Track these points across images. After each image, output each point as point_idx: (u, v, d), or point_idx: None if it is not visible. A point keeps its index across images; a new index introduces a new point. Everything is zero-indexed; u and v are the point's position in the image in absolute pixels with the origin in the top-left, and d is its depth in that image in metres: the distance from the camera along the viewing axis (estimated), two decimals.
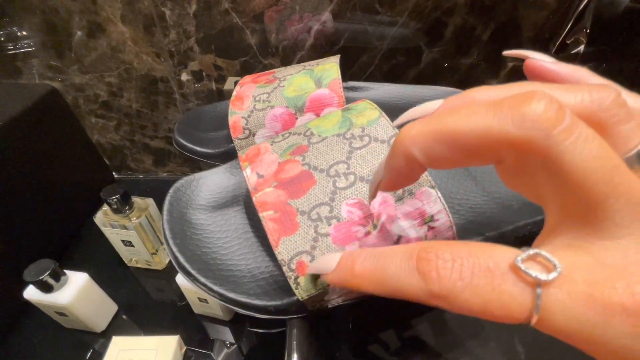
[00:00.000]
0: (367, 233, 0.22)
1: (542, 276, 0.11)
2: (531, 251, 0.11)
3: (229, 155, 0.35)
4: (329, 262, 0.18)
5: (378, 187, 0.18)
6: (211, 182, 0.31)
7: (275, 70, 0.38)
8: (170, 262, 0.44)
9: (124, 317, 0.41)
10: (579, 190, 0.11)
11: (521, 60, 0.19)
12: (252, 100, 0.34)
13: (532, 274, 0.11)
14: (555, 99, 0.11)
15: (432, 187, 0.22)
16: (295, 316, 0.24)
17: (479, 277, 0.11)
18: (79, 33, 0.47)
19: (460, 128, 0.13)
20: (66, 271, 0.36)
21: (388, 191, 0.18)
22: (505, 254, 0.12)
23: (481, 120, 0.12)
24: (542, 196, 0.13)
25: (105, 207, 0.39)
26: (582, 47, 0.40)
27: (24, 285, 0.34)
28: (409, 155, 0.14)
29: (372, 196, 0.19)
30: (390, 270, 0.14)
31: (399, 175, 0.16)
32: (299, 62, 0.47)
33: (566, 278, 0.11)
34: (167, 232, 0.26)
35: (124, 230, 0.40)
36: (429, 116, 0.14)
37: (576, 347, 0.11)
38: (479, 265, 0.12)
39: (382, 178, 0.17)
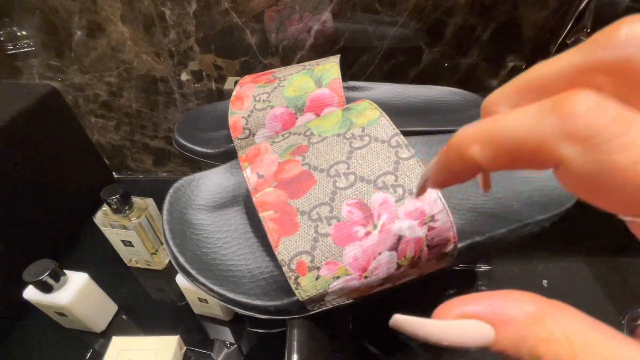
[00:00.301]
0: (368, 233, 0.22)
1: None
2: None
3: (229, 155, 0.35)
4: (429, 165, 0.16)
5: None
6: (211, 182, 0.31)
7: (275, 70, 0.38)
8: (170, 262, 0.44)
9: (123, 317, 0.41)
10: None
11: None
12: (252, 100, 0.34)
13: None
14: None
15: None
16: (295, 316, 0.24)
17: None
18: (79, 33, 0.47)
19: (543, 74, 0.12)
20: (66, 271, 0.36)
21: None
22: None
23: (564, 61, 0.12)
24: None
25: (105, 207, 0.39)
26: None
27: (24, 285, 0.34)
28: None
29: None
30: (509, 121, 0.12)
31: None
32: (299, 62, 0.47)
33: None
34: (167, 232, 0.26)
35: (124, 230, 0.40)
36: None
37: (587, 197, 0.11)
38: None
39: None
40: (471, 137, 0.13)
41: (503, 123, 0.13)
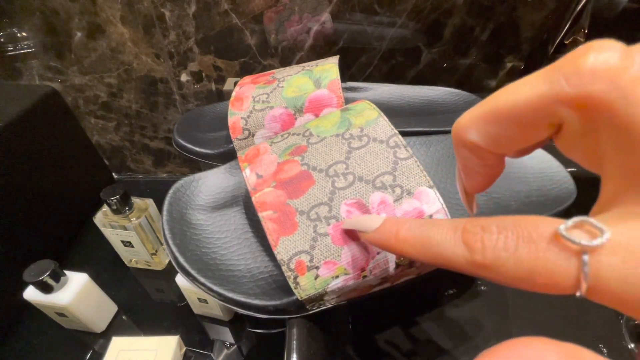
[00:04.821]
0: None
1: (586, 242, 0.10)
2: (577, 219, 0.11)
3: (228, 156, 0.35)
4: (371, 222, 0.18)
5: (466, 195, 0.18)
6: (211, 183, 0.31)
7: (275, 70, 0.38)
8: (170, 262, 0.44)
9: (123, 317, 0.41)
10: None
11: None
12: (251, 100, 0.34)
13: (575, 240, 0.10)
14: (619, 45, 0.10)
15: (431, 187, 0.22)
16: (294, 316, 0.24)
17: (523, 247, 0.11)
18: (79, 34, 0.47)
19: (510, 103, 0.12)
20: (66, 272, 0.36)
21: (478, 192, 0.17)
22: (551, 223, 0.11)
23: (531, 89, 0.12)
24: (602, 160, 0.12)
25: (105, 208, 0.39)
26: None
27: (24, 285, 0.35)
28: (469, 143, 0.14)
29: (471, 208, 0.19)
30: (436, 239, 0.14)
31: (473, 170, 0.16)
32: (298, 62, 0.47)
33: (621, 245, 0.10)
34: (167, 233, 0.26)
35: (124, 230, 0.40)
36: (481, 102, 0.14)
37: (628, 314, 0.11)
38: (522, 236, 0.11)
39: (460, 186, 0.17)
40: (464, 122, 0.14)
41: (496, 96, 0.13)
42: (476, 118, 0.14)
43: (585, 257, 0.10)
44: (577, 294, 0.11)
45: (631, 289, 0.10)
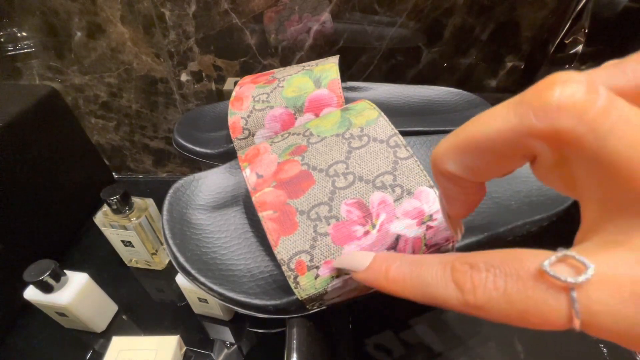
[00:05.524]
0: (366, 232, 0.22)
1: (572, 279, 0.10)
2: (560, 253, 0.11)
3: (228, 156, 0.35)
4: (360, 261, 0.18)
5: (451, 220, 0.18)
6: (211, 182, 0.31)
7: (275, 70, 0.38)
8: (170, 262, 0.44)
9: (124, 317, 0.41)
10: (622, 179, 0.10)
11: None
12: (251, 100, 0.34)
13: (560, 277, 0.10)
14: (582, 78, 0.10)
15: (431, 187, 0.22)
16: (294, 315, 0.24)
17: (512, 285, 0.11)
18: (79, 34, 0.47)
19: (482, 134, 0.12)
20: (66, 271, 0.36)
21: (462, 218, 0.17)
22: (535, 258, 0.11)
23: (502, 121, 0.11)
24: (579, 189, 0.12)
25: (105, 208, 0.39)
26: (580, 47, 0.40)
27: (24, 285, 0.35)
28: (447, 173, 0.14)
29: (456, 232, 0.19)
30: (427, 279, 0.14)
31: (454, 198, 0.15)
32: (298, 62, 0.47)
33: (607, 278, 0.10)
34: (167, 232, 0.26)
35: (124, 230, 0.40)
36: (455, 130, 0.14)
37: (628, 348, 0.10)
38: (510, 274, 0.11)
39: (444, 212, 0.17)
40: (440, 152, 0.14)
41: (468, 126, 0.13)
42: (451, 148, 0.14)
43: (574, 294, 0.10)
44: (574, 328, 0.10)
45: (624, 322, 0.10)
